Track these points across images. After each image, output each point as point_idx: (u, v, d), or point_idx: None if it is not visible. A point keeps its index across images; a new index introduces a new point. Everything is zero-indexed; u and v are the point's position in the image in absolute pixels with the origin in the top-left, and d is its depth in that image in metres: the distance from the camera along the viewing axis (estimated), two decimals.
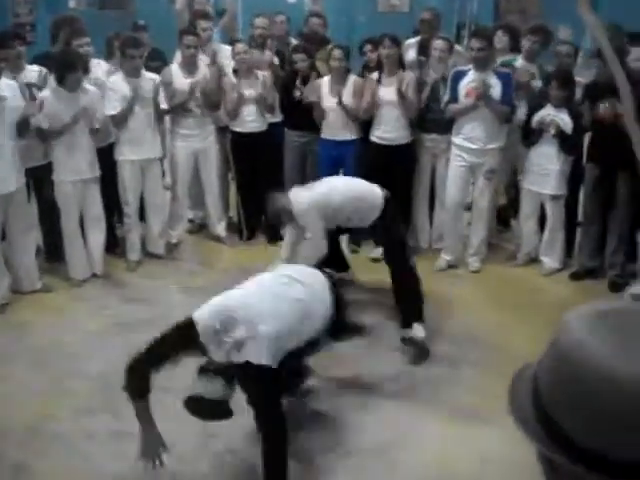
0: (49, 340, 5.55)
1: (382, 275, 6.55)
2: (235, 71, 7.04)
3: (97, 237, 6.63)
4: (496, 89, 6.37)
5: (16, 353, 5.43)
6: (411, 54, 7.26)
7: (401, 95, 6.53)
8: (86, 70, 6.42)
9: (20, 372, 5.14)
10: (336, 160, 6.89)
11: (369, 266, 6.82)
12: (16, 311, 6.10)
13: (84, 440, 4.45)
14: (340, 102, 6.68)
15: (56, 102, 6.15)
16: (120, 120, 6.53)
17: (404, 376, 5.09)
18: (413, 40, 7.44)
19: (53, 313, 6.05)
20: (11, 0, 10.47)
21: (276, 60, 7.40)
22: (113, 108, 6.50)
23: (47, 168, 6.36)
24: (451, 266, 6.86)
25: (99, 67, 6.86)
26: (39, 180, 6.48)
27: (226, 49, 7.29)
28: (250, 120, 7.05)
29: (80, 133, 6.27)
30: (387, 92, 6.60)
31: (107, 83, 6.60)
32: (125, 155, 6.67)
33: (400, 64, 6.75)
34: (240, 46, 7.01)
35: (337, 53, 6.74)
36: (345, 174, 7.03)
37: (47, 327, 5.78)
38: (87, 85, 6.35)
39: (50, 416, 4.65)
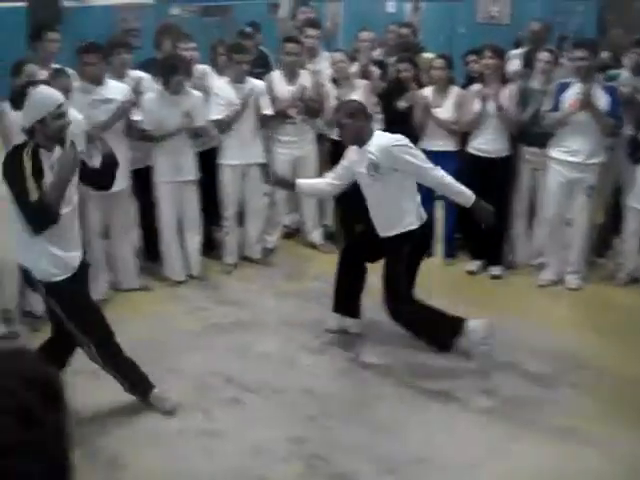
0: (145, 338, 5.65)
1: (475, 291, 6.49)
2: (335, 80, 7.05)
3: (194, 239, 6.75)
4: (602, 101, 6.19)
5: None
6: (515, 65, 7.14)
7: (499, 107, 6.42)
8: (189, 74, 6.54)
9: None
10: None
11: (465, 279, 6.73)
12: (114, 308, 6.23)
13: (175, 437, 4.52)
14: (431, 114, 6.62)
15: (159, 105, 6.30)
16: (225, 125, 6.63)
17: (498, 392, 4.98)
18: (517, 51, 7.32)
19: (149, 312, 6.18)
20: (119, 8, 10.77)
21: (376, 69, 7.37)
22: (218, 113, 6.61)
23: (149, 170, 6.50)
24: (550, 283, 6.68)
25: (204, 72, 6.99)
26: (141, 181, 6.63)
27: (327, 57, 7.32)
28: None
29: (181, 136, 6.40)
30: (487, 103, 6.49)
31: (213, 88, 6.71)
32: (227, 159, 6.77)
33: (502, 75, 6.63)
34: (338, 55, 7.04)
35: (439, 62, 6.69)
36: None
37: (143, 325, 5.90)
38: (190, 89, 6.47)
39: (144, 413, 4.74)
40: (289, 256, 7.37)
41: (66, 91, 5.48)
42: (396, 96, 6.89)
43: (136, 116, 6.29)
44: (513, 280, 6.72)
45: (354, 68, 7.24)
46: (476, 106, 6.49)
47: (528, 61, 6.99)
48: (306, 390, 5.03)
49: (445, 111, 6.67)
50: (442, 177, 5.20)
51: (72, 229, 4.39)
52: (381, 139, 5.16)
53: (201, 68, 7.03)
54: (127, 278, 6.52)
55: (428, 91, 6.76)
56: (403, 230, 5.23)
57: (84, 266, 4.51)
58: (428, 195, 6.95)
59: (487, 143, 6.57)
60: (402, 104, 6.82)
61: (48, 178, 4.11)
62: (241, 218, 7.07)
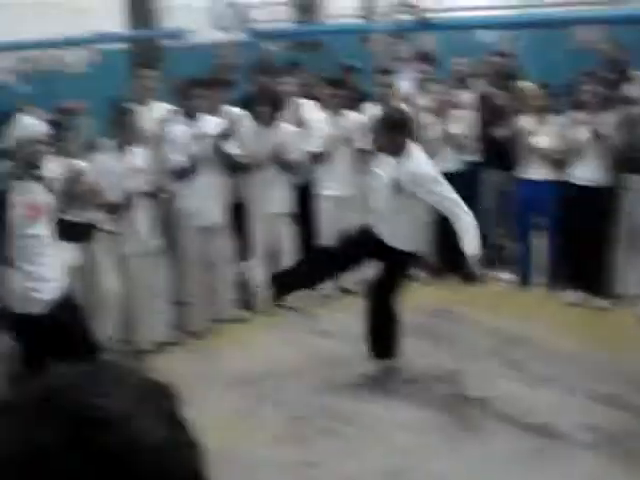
0: (243, 367, 5.71)
1: (576, 322, 6.33)
2: (434, 110, 7.03)
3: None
4: None
5: (213, 378, 5.63)
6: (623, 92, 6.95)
7: (599, 135, 6.27)
8: (279, 106, 6.59)
9: (215, 395, 5.32)
10: (533, 200, 6.70)
11: (565, 310, 6.57)
12: (214, 338, 6.36)
13: (271, 467, 4.53)
14: (533, 142, 6.50)
15: (251, 137, 6.42)
16: (322, 157, 6.69)
17: (602, 427, 4.81)
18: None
19: (248, 342, 6.24)
20: (216, 46, 11.05)
21: (477, 100, 7.31)
22: (315, 145, 6.68)
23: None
24: None
25: (302, 106, 7.08)
26: (238, 215, 6.74)
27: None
28: (446, 159, 7.00)
29: (273, 168, 6.49)
30: (588, 131, 6.35)
31: (310, 121, 6.80)
32: (325, 190, 6.82)
33: (605, 102, 6.47)
34: (438, 86, 7.02)
35: (536, 90, 6.59)
36: (544, 216, 6.84)
37: (243, 354, 5.97)
38: (282, 122, 6.56)
39: (241, 442, 4.77)
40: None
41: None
42: (493, 125, 6.82)
43: (231, 149, 6.40)
44: (615, 311, 6.51)
45: (461, 96, 7.22)
46: (577, 134, 6.36)
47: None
48: (402, 421, 4.98)
49: (545, 140, 6.55)
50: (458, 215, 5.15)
51: None
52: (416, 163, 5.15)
53: (298, 101, 7.13)
54: (226, 309, 6.61)
55: (528, 120, 6.66)
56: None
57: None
58: (528, 224, 6.88)
59: (588, 172, 6.41)
60: (500, 132, 6.74)
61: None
62: None
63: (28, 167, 4.41)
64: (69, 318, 4.60)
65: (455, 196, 5.12)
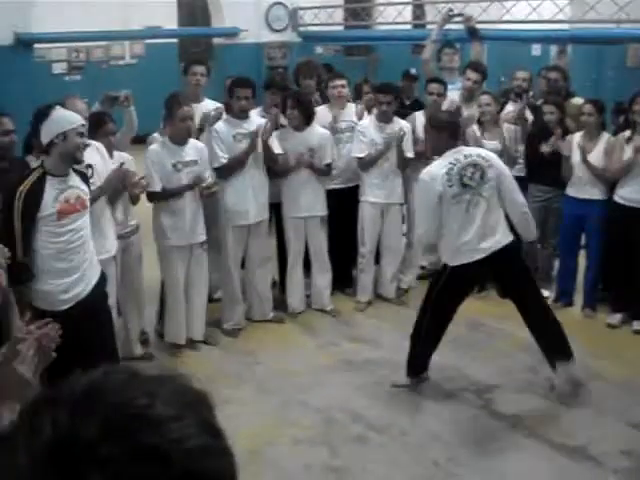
0: (277, 369, 5.72)
1: (614, 345, 6.25)
2: (480, 122, 6.98)
3: (323, 275, 6.85)
4: None
5: (245, 377, 5.65)
6: None
7: None
8: (310, 111, 6.55)
9: (247, 396, 5.35)
10: (579, 219, 6.62)
11: (604, 332, 6.48)
12: (248, 338, 6.37)
13: (300, 471, 4.54)
14: (585, 159, 6.42)
15: (283, 140, 6.43)
16: (367, 163, 6.69)
17: (636, 454, 4.73)
18: None
19: (282, 343, 6.26)
20: (266, 46, 11.12)
21: (529, 114, 7.25)
22: (360, 151, 6.68)
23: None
24: None
25: (353, 109, 7.10)
26: (279, 215, 6.77)
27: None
28: None
29: (306, 172, 6.50)
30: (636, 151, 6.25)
31: (357, 126, 6.80)
32: (368, 197, 6.82)
33: None
34: (485, 97, 6.96)
35: (588, 108, 6.51)
36: (588, 235, 6.77)
37: (276, 356, 5.98)
38: (317, 126, 6.58)
39: (270, 442, 4.79)
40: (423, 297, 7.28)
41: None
42: (540, 140, 6.75)
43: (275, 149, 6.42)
44: None
45: (507, 109, 7.17)
46: (626, 153, 6.28)
47: None
48: (433, 434, 4.95)
49: (595, 158, 6.46)
50: None
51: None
52: None
53: (351, 105, 7.13)
54: (261, 309, 6.63)
55: (577, 136, 6.58)
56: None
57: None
58: (573, 243, 6.80)
59: (636, 192, 6.32)
60: (546, 149, 6.67)
61: (47, 209, 4.23)
62: (378, 256, 7.08)
63: (67, 161, 4.32)
64: (94, 322, 4.50)
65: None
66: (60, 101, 5.36)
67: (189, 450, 0.82)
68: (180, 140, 5.79)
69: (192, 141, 5.88)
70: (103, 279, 4.66)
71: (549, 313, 5.33)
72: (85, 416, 0.82)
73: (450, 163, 5.08)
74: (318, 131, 6.61)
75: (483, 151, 5.34)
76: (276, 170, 6.51)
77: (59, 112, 4.33)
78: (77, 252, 4.42)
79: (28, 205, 4.18)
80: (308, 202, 6.59)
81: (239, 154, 6.19)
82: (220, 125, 6.25)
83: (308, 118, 6.52)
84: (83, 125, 4.33)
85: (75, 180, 4.40)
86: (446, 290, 5.23)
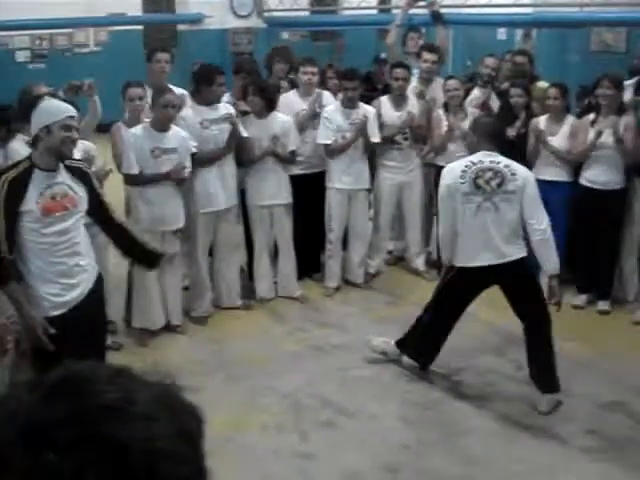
0: (245, 356, 5.72)
1: (579, 326, 6.31)
2: (446, 106, 7.00)
3: (287, 262, 6.85)
4: None
5: (213, 365, 5.64)
6: (627, 95, 6.92)
7: (618, 139, 6.23)
8: (272, 97, 6.52)
9: (216, 383, 5.34)
10: (544, 200, 6.62)
11: (570, 313, 6.54)
12: (216, 325, 6.36)
13: (270, 456, 4.55)
14: (544, 142, 6.47)
15: (248, 127, 6.41)
16: (335, 151, 6.68)
17: (602, 432, 4.79)
18: (631, 81, 7.09)
19: (250, 330, 6.25)
20: (231, 32, 11.06)
21: (496, 100, 7.27)
22: (327, 137, 6.67)
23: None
24: None
25: (322, 96, 7.08)
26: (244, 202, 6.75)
27: (439, 83, 7.27)
28: (456, 156, 6.96)
29: (270, 160, 6.51)
30: (603, 134, 6.31)
31: (323, 112, 6.78)
32: (334, 183, 6.81)
33: (619, 106, 6.44)
34: (452, 82, 6.98)
35: (553, 91, 6.55)
36: (552, 217, 6.80)
37: (244, 343, 5.98)
38: (279, 113, 6.57)
39: (239, 429, 4.80)
40: (391, 282, 7.33)
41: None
42: (506, 124, 6.78)
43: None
44: (620, 316, 6.48)
45: (474, 94, 7.18)
46: (590, 136, 6.33)
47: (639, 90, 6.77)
48: (402, 417, 4.98)
49: (559, 140, 6.52)
50: None
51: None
52: None
53: (319, 92, 7.11)
54: (230, 296, 6.61)
55: (542, 120, 6.63)
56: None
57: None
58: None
59: (601, 175, 6.37)
60: (512, 132, 6.70)
61: (30, 204, 3.96)
62: (345, 242, 7.09)
63: (53, 155, 4.05)
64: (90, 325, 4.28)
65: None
66: (25, 89, 5.32)
67: (154, 451, 0.82)
68: (161, 127, 5.76)
69: (175, 129, 5.85)
70: (99, 285, 4.37)
71: (547, 345, 5.13)
72: (56, 399, 0.82)
73: (471, 162, 5.01)
74: (281, 118, 6.58)
75: (514, 164, 5.09)
76: (242, 158, 6.48)
77: (47, 103, 4.12)
78: (66, 255, 4.11)
79: (10, 195, 3.91)
80: (272, 190, 6.57)
81: (224, 147, 6.21)
82: (187, 112, 6.21)
83: (270, 105, 6.49)
84: (71, 117, 4.05)
85: (65, 176, 4.10)
86: (449, 289, 5.22)
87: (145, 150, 5.74)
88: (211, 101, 6.20)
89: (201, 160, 6.11)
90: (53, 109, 4.06)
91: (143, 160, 5.75)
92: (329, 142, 6.69)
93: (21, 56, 13.19)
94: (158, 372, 0.92)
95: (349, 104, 6.72)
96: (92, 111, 5.83)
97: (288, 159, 6.62)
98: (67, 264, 4.13)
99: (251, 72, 7.05)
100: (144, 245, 4.61)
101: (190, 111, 6.22)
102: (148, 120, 5.88)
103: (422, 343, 5.39)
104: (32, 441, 0.79)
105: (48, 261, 4.08)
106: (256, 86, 6.51)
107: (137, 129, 5.83)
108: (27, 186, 3.96)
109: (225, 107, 6.30)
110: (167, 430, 0.84)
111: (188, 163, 5.91)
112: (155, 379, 0.92)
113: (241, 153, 6.46)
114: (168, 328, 6.16)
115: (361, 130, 6.64)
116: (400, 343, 5.52)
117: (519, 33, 12.40)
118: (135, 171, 5.75)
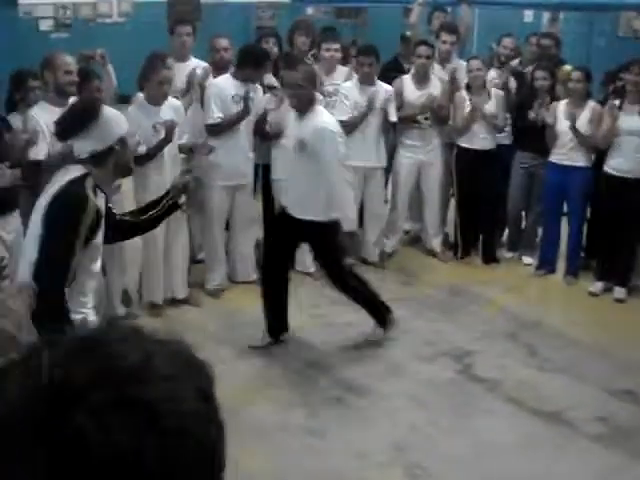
0: (257, 330, 5.71)
1: (594, 313, 6.29)
2: (468, 87, 6.94)
3: None
4: None
5: (225, 338, 5.65)
6: None
7: None
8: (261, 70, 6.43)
9: (228, 356, 5.34)
10: (561, 186, 6.61)
11: (585, 300, 6.50)
12: (230, 298, 6.37)
13: (278, 431, 4.56)
14: (573, 126, 6.40)
15: (269, 105, 6.41)
16: (350, 126, 6.64)
17: (613, 419, 4.77)
18: None
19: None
20: (255, 6, 11.01)
21: (513, 82, 7.20)
22: (344, 114, 6.62)
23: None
24: None
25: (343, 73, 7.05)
26: (266, 177, 6.73)
27: (461, 64, 7.20)
28: (479, 137, 6.92)
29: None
30: (629, 120, 6.23)
31: (340, 89, 6.74)
32: (350, 161, 6.76)
33: None
34: (475, 62, 6.92)
35: (577, 75, 6.47)
36: (569, 202, 6.77)
37: (257, 317, 5.95)
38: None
39: (249, 402, 4.81)
40: (407, 262, 7.30)
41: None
42: (529, 107, 6.72)
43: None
44: (637, 305, 6.43)
45: (490, 75, 7.11)
46: (621, 123, 6.24)
47: None
48: (412, 397, 4.97)
49: (580, 125, 6.44)
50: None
51: None
52: None
53: (340, 68, 7.07)
54: (244, 270, 6.61)
55: (563, 103, 6.55)
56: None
57: None
58: (555, 210, 6.80)
59: (626, 163, 6.28)
60: (533, 115, 6.64)
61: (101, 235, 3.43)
62: (361, 220, 7.06)
63: (119, 173, 3.63)
64: None
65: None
66: (47, 56, 5.32)
67: (178, 411, 0.82)
68: (157, 101, 5.74)
69: (168, 100, 5.83)
70: None
71: (347, 284, 5.43)
72: (78, 363, 0.82)
73: None
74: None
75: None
76: (265, 133, 6.47)
77: (112, 111, 3.53)
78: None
79: (93, 227, 3.34)
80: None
81: (232, 116, 6.15)
82: (221, 82, 6.21)
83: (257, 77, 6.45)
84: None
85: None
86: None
87: (146, 127, 5.67)
88: (251, 81, 6.19)
89: (220, 128, 6.10)
90: (121, 117, 3.56)
91: (147, 137, 5.67)
92: (345, 118, 6.64)
93: (44, 25, 13.15)
94: (167, 332, 0.93)
95: (366, 80, 6.67)
96: (107, 80, 5.82)
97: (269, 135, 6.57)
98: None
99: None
100: (149, 215, 4.01)
101: (224, 82, 6.21)
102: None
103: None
104: (59, 403, 0.79)
105: (84, 291, 3.52)
106: (287, 61, 6.47)
107: (133, 107, 5.77)
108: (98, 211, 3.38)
109: (258, 88, 6.34)
110: (188, 389, 0.85)
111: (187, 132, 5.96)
112: (168, 337, 0.92)
113: (262, 128, 6.43)
114: (182, 301, 6.18)
115: (372, 105, 6.59)
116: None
117: (546, 16, 12.26)
118: (142, 150, 5.60)
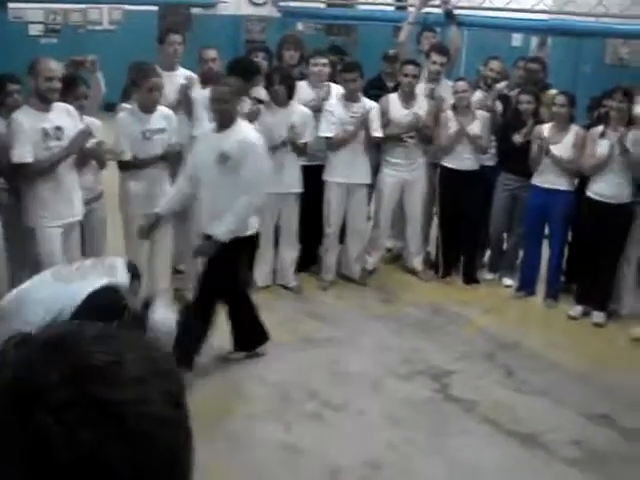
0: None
1: (573, 337, 6.31)
2: (454, 107, 6.97)
3: (290, 251, 6.83)
4: None
5: (204, 350, 5.60)
6: (638, 109, 6.88)
7: (625, 151, 6.20)
8: (294, 87, 6.53)
9: (203, 368, 5.30)
10: (543, 209, 6.64)
11: (564, 323, 6.53)
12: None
13: (253, 445, 4.54)
14: (547, 151, 6.45)
15: (267, 116, 6.38)
16: (336, 144, 6.66)
17: (589, 444, 4.78)
18: None
19: None
20: (245, 19, 11.03)
21: (499, 104, 7.24)
22: (329, 130, 6.64)
23: None
24: None
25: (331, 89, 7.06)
26: None
27: (448, 84, 7.23)
28: (463, 158, 6.95)
29: (285, 148, 6.49)
30: (611, 147, 6.27)
31: (325, 105, 6.76)
32: (333, 177, 6.79)
33: (628, 119, 6.40)
34: (461, 84, 6.95)
35: (561, 99, 6.52)
36: (551, 225, 6.81)
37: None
38: (297, 104, 6.56)
39: (225, 415, 4.79)
40: (387, 279, 7.31)
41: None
42: (513, 129, 6.76)
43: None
44: (615, 330, 6.45)
45: (476, 96, 7.15)
46: (601, 149, 6.28)
47: None
48: (389, 415, 4.96)
49: (563, 149, 6.48)
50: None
51: None
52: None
53: (329, 84, 7.08)
54: None
55: (547, 127, 6.60)
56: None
57: None
58: (536, 232, 6.83)
59: (609, 188, 6.32)
60: (518, 138, 6.68)
61: None
62: (342, 236, 7.06)
63: None
64: None
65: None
66: (34, 61, 5.30)
67: (145, 414, 0.82)
68: (147, 108, 5.73)
69: (160, 108, 5.82)
70: None
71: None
72: (46, 361, 0.82)
73: None
74: (300, 108, 6.57)
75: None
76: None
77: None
78: None
79: None
80: (286, 179, 6.54)
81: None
82: (196, 93, 6.25)
83: (291, 94, 6.49)
84: None
85: None
86: None
87: (136, 134, 5.67)
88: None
89: None
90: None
91: (137, 144, 5.68)
92: (331, 135, 6.66)
93: (34, 29, 13.15)
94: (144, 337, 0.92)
95: (350, 96, 6.69)
96: (95, 87, 5.81)
97: (302, 150, 6.60)
98: None
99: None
100: None
101: (199, 94, 6.21)
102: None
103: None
104: (22, 400, 0.79)
105: None
106: (282, 74, 6.48)
107: (124, 113, 5.79)
108: None
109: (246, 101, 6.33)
110: (157, 393, 0.84)
111: (174, 139, 5.90)
112: (140, 339, 0.91)
113: None
114: None
115: (362, 123, 6.62)
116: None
117: (535, 41, 12.37)
118: (128, 157, 5.68)
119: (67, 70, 5.75)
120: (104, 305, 3.48)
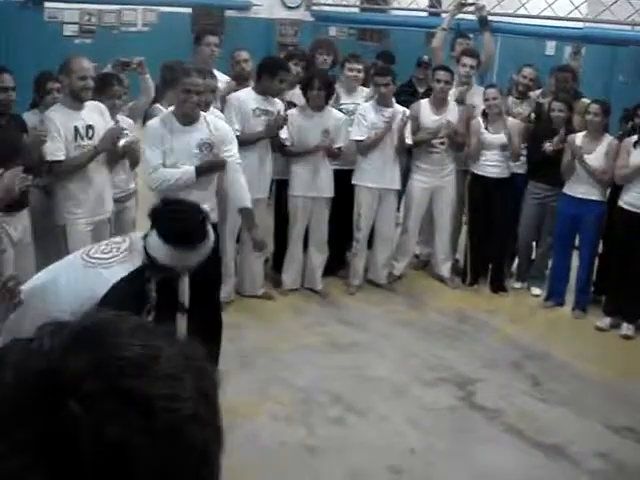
0: (262, 345, 5.72)
1: (600, 348, 6.25)
2: (485, 114, 6.94)
3: (319, 255, 6.83)
4: None
5: (229, 351, 5.62)
6: None
7: None
8: (330, 91, 6.54)
9: (230, 369, 5.30)
10: (574, 219, 6.59)
11: (592, 335, 6.46)
12: (236, 312, 6.35)
13: (276, 447, 4.54)
14: (581, 159, 6.39)
15: (300, 119, 6.39)
16: (366, 147, 6.66)
17: (613, 456, 4.73)
18: None
19: (269, 320, 6.25)
20: (278, 22, 11.06)
21: (533, 115, 7.20)
22: (360, 134, 6.64)
23: (286, 183, 6.62)
24: None
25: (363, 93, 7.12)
26: (279, 192, 6.74)
27: (479, 90, 7.20)
28: (492, 165, 6.92)
29: (319, 153, 6.49)
30: None
31: (358, 109, 6.76)
32: (364, 181, 6.78)
33: None
34: (492, 91, 6.92)
35: (595, 108, 6.46)
36: (581, 236, 6.75)
37: (262, 332, 5.97)
38: (332, 108, 6.55)
39: (248, 417, 4.79)
40: (415, 286, 7.28)
41: (212, 91, 5.66)
42: (545, 138, 6.71)
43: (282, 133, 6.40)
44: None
45: (510, 102, 7.13)
46: (635, 159, 6.22)
47: None
48: (412, 421, 4.94)
49: (595, 159, 6.43)
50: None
51: None
52: None
53: (362, 89, 7.11)
54: (253, 284, 6.61)
55: (580, 136, 6.54)
56: None
57: None
58: (567, 242, 6.78)
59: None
60: (549, 147, 6.61)
61: None
62: (370, 241, 7.06)
63: None
64: None
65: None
66: (65, 60, 5.35)
67: (176, 410, 0.81)
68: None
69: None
70: None
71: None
72: (78, 349, 0.81)
73: None
74: (335, 114, 6.59)
75: None
76: (291, 150, 6.49)
77: None
78: None
79: None
80: (318, 183, 6.56)
81: (255, 133, 6.18)
82: (242, 95, 6.25)
83: (328, 99, 6.50)
84: None
85: None
86: None
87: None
88: (269, 93, 6.21)
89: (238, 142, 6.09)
90: None
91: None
92: (362, 139, 6.67)
93: (68, 30, 13.25)
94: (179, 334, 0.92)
95: (382, 101, 6.68)
96: (144, 90, 5.83)
97: (336, 155, 6.60)
98: None
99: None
100: None
101: (247, 95, 6.25)
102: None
103: None
104: (54, 389, 0.78)
105: None
106: (323, 80, 6.48)
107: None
108: None
109: (279, 103, 6.35)
110: (190, 390, 0.83)
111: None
112: (178, 337, 0.90)
113: (280, 142, 6.46)
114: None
115: (390, 125, 6.61)
116: None
117: (568, 50, 12.28)
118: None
119: (115, 71, 5.80)
120: (132, 291, 3.47)
